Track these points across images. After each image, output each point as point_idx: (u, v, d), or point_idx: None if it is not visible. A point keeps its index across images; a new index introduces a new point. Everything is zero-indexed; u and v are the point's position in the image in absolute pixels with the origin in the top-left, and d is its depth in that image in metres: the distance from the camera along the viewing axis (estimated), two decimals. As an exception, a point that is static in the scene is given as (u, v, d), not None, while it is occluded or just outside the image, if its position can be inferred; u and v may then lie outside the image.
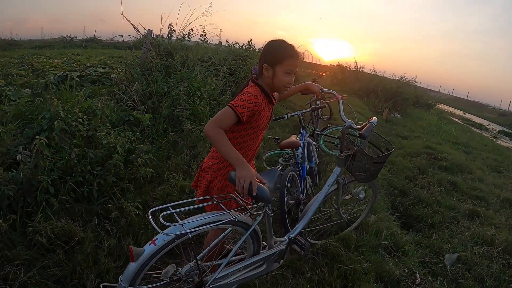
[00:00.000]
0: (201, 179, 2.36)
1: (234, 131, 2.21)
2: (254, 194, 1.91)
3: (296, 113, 4.63)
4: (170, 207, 1.81)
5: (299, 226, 2.77)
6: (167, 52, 6.75)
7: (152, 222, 1.65)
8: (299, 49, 2.24)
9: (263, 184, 2.03)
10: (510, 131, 36.27)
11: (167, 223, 1.73)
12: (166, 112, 5.39)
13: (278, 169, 2.65)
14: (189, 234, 1.81)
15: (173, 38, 7.33)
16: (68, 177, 3.36)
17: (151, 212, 1.69)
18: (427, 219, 4.94)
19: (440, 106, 27.75)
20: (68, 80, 4.94)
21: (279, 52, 2.17)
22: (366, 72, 23.58)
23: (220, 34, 10.98)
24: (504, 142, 24.13)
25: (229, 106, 2.04)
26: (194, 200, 2.24)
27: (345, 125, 2.77)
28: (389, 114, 14.54)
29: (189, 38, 7.42)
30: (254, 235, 2.23)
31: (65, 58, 12.06)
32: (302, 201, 3.84)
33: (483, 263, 4.03)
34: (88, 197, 3.43)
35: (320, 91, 2.82)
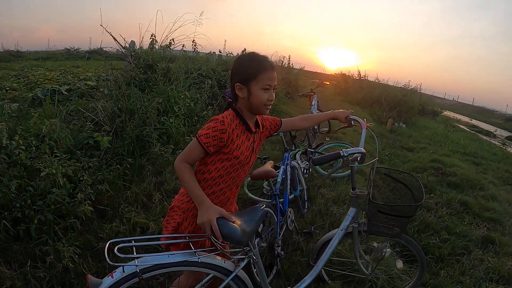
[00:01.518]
0: (169, 219, 2.02)
1: (207, 163, 1.93)
2: (219, 238, 1.68)
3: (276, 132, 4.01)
4: (133, 240, 1.65)
5: (306, 279, 2.40)
6: (148, 64, 6.18)
7: (106, 253, 1.51)
8: (274, 56, 1.66)
9: (233, 222, 1.75)
10: None
11: (127, 256, 1.55)
12: (135, 132, 4.77)
13: (262, 207, 2.06)
14: (139, 274, 1.59)
15: (155, 48, 6.77)
16: (6, 213, 2.97)
17: (111, 243, 1.57)
18: (435, 251, 4.24)
19: (446, 113, 27.07)
20: (56, 95, 4.63)
21: (251, 67, 1.88)
22: (370, 80, 23.05)
23: (212, 43, 10.48)
24: (513, 149, 23.68)
25: (196, 136, 1.84)
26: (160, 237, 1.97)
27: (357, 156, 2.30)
28: (393, 124, 13.87)
29: (170, 49, 6.84)
30: (238, 283, 1.92)
31: (63, 70, 11.90)
32: (276, 244, 3.15)
33: None
34: (27, 235, 3.02)
35: (347, 117, 2.50)
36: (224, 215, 1.75)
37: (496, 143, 22.56)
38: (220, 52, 10.69)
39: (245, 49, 10.26)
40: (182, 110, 5.46)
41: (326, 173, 5.69)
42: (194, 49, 8.34)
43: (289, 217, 3.62)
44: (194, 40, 8.07)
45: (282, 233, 3.42)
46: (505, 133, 36.39)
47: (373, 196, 2.33)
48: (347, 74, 24.54)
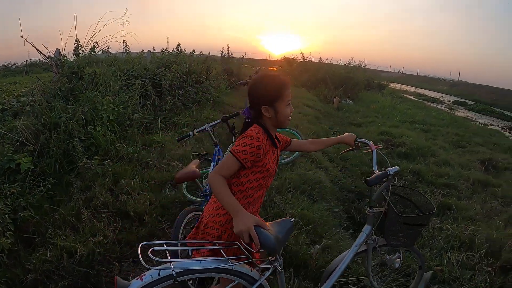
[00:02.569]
0: (205, 236, 2.03)
1: (240, 176, 1.99)
2: (257, 245, 1.73)
3: (203, 127, 3.70)
4: (164, 244, 1.70)
5: None
6: (73, 72, 5.72)
7: (140, 255, 1.51)
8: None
9: (267, 231, 1.79)
10: (464, 100, 37.60)
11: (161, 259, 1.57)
12: (61, 147, 4.37)
13: (291, 220, 2.03)
14: (175, 278, 1.62)
15: (80, 54, 6.30)
16: None
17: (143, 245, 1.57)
18: (391, 226, 4.08)
19: (393, 85, 27.58)
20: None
21: (274, 89, 1.99)
22: (314, 61, 23.05)
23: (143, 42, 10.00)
24: (460, 112, 24.52)
25: (231, 152, 1.91)
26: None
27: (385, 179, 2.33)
28: (340, 102, 13.93)
29: (95, 52, 6.37)
30: (261, 291, 1.93)
31: (-2, 89, 11.06)
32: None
33: (464, 276, 3.32)
34: None
35: (355, 141, 2.57)
36: (260, 224, 1.79)
37: (443, 108, 23.29)
38: (153, 49, 10.20)
39: (179, 44, 9.98)
40: (109, 116, 5.04)
41: None
42: (125, 49, 7.98)
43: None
44: (124, 40, 7.71)
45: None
46: (451, 98, 37.91)
47: (398, 210, 2.37)
48: (291, 58, 24.51)
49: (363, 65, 21.21)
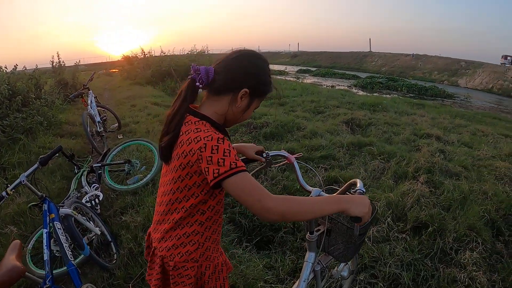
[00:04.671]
0: (177, 281, 1.48)
1: (207, 200, 1.42)
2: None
3: (18, 180, 2.74)
4: None
5: None
6: None
7: None
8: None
9: None
10: (306, 67, 40.22)
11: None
12: None
13: None
14: None
15: None
16: None
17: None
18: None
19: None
20: None
21: (267, 82, 1.48)
22: (156, 56, 21.98)
23: None
24: (307, 80, 25.83)
25: (237, 172, 1.23)
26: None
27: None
28: None
29: None
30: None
31: None
32: None
33: (383, 253, 3.14)
34: None
35: (265, 156, 1.95)
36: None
37: (291, 79, 24.16)
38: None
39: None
40: None
41: (125, 186, 4.38)
42: None
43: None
44: None
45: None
46: (295, 68, 40.25)
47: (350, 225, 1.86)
48: (131, 57, 23.25)
49: (206, 51, 20.72)
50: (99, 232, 3.16)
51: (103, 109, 7.01)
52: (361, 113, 8.85)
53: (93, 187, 3.91)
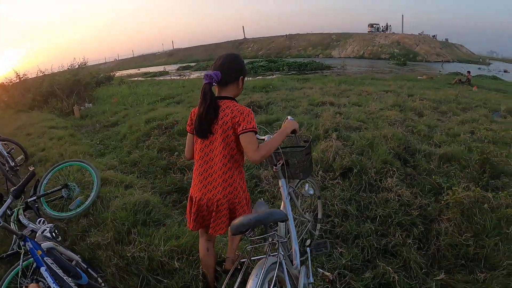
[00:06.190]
0: (219, 215, 2.34)
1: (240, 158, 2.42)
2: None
3: None
4: None
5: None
6: None
7: None
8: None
9: None
10: (186, 64, 40.46)
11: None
12: None
13: None
14: None
15: None
16: None
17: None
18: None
19: (118, 74, 26.88)
20: None
21: (245, 66, 2.49)
22: (33, 77, 20.39)
23: None
24: (193, 75, 26.24)
25: (251, 131, 2.20)
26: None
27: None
28: (80, 109, 12.57)
29: None
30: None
31: None
32: None
33: (335, 208, 3.64)
34: None
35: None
36: None
37: (175, 77, 24.42)
38: None
39: None
40: None
41: (70, 212, 4.11)
42: None
43: None
44: None
45: None
46: (174, 66, 40.22)
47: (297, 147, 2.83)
48: (6, 84, 21.21)
49: (85, 64, 19.94)
50: (80, 259, 3.11)
51: (5, 142, 6.41)
52: (258, 96, 9.65)
53: (39, 221, 3.53)
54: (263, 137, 2.61)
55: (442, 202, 3.59)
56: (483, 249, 2.97)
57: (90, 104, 13.69)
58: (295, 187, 2.95)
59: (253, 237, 1.98)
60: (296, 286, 2.19)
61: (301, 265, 2.34)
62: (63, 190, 4.26)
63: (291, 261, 2.31)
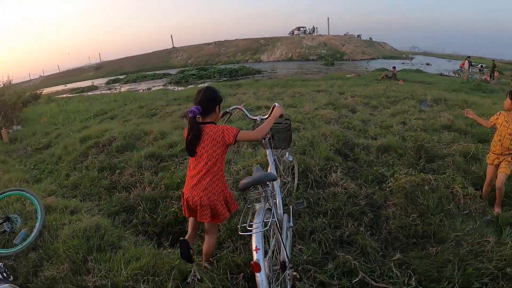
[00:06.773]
0: (203, 209, 2.84)
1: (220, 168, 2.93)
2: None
3: None
4: None
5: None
6: None
7: None
8: None
9: None
10: (115, 76, 39.57)
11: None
12: None
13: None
14: None
15: None
16: None
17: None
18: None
19: (44, 91, 25.64)
20: None
21: (219, 95, 3.03)
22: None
23: None
24: (123, 88, 25.80)
25: (238, 131, 2.84)
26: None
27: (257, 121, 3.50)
28: (9, 133, 11.67)
29: None
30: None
31: None
32: None
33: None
34: None
35: (228, 111, 3.50)
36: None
37: (106, 91, 23.88)
38: None
39: None
40: None
41: (16, 247, 3.73)
42: None
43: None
44: None
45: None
46: (103, 80, 39.09)
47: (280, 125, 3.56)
48: None
49: (10, 83, 18.97)
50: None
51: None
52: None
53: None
54: (255, 117, 3.53)
55: (387, 189, 4.03)
56: (431, 226, 3.36)
57: (19, 126, 12.94)
58: (279, 155, 3.75)
59: (253, 191, 2.69)
60: (281, 226, 2.80)
61: (283, 213, 3.02)
62: (5, 223, 3.92)
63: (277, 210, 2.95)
